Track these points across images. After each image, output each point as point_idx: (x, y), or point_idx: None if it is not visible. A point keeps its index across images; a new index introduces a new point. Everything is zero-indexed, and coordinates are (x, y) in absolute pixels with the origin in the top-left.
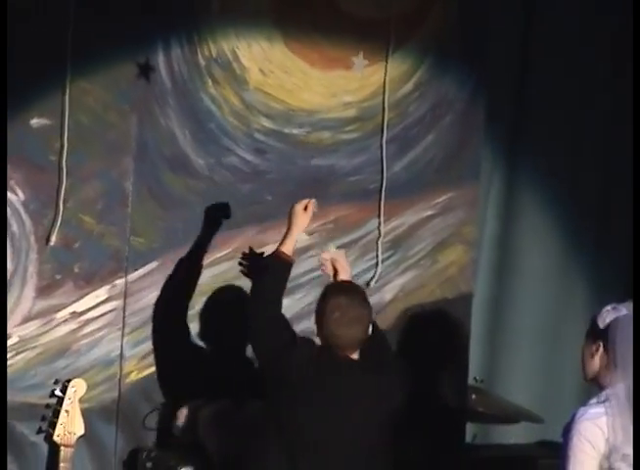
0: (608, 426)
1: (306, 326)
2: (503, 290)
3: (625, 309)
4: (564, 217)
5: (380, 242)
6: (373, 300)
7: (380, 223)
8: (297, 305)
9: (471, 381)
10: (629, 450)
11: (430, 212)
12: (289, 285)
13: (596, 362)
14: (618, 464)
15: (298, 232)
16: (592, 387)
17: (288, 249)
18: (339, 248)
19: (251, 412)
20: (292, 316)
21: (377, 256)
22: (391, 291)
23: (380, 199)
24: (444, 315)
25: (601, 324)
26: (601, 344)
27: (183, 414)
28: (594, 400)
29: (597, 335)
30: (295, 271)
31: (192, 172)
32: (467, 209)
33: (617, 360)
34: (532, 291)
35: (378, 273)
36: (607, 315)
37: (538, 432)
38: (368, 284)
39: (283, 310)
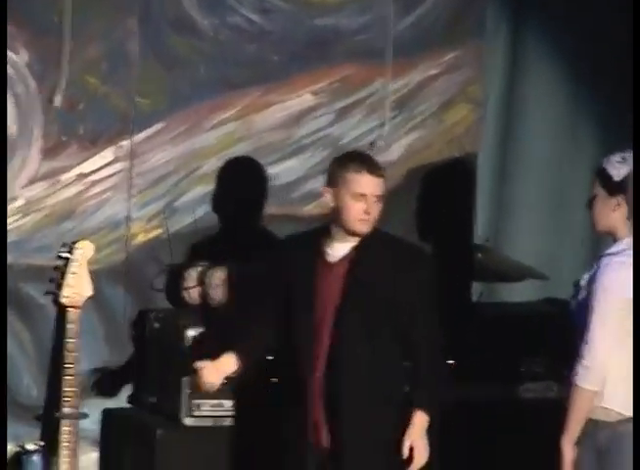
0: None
1: (313, 186)
2: (509, 149)
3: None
4: (571, 74)
5: (387, 101)
6: (379, 160)
7: (386, 83)
8: (303, 165)
9: (477, 240)
10: None
11: (435, 71)
12: (293, 146)
13: (616, 216)
14: None
15: None
16: (598, 243)
17: None
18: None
19: (257, 274)
20: (298, 178)
21: (383, 115)
22: (397, 151)
23: (386, 58)
24: (450, 175)
25: (616, 177)
26: (621, 197)
27: (191, 276)
28: (612, 250)
29: (614, 189)
30: (300, 132)
31: (196, 33)
32: (473, 67)
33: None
34: (539, 149)
35: (385, 133)
36: (620, 167)
37: (543, 289)
38: (374, 144)
39: (288, 173)
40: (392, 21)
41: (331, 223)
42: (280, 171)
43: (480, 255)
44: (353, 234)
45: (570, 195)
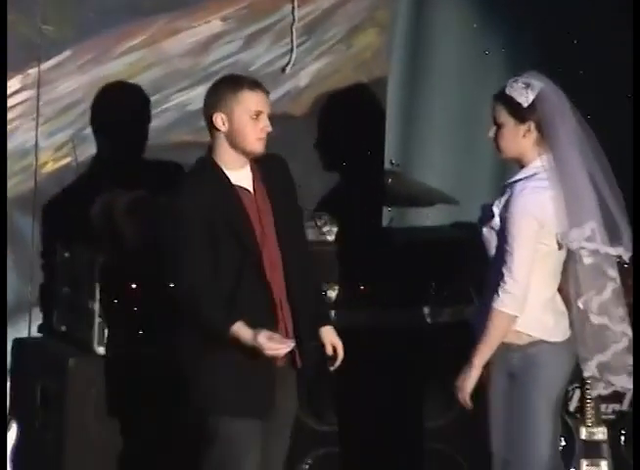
0: (554, 199)
1: None
2: (418, 73)
3: (536, 81)
4: None
5: (294, 27)
6: (288, 86)
7: (294, 8)
8: None
9: (387, 165)
10: (587, 231)
11: None
12: (203, 73)
13: (526, 142)
14: (576, 244)
15: None
16: (506, 168)
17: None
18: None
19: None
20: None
21: (291, 41)
22: (306, 77)
23: None
24: (359, 100)
25: (525, 103)
26: (532, 123)
27: (98, 204)
28: (524, 175)
29: (525, 115)
30: (209, 59)
31: None
32: None
33: (551, 133)
34: (448, 73)
35: (293, 59)
36: (527, 93)
37: (453, 214)
38: (283, 70)
39: (198, 99)
40: None
41: (213, 153)
42: (190, 98)
43: (390, 180)
44: (249, 154)
45: (479, 119)
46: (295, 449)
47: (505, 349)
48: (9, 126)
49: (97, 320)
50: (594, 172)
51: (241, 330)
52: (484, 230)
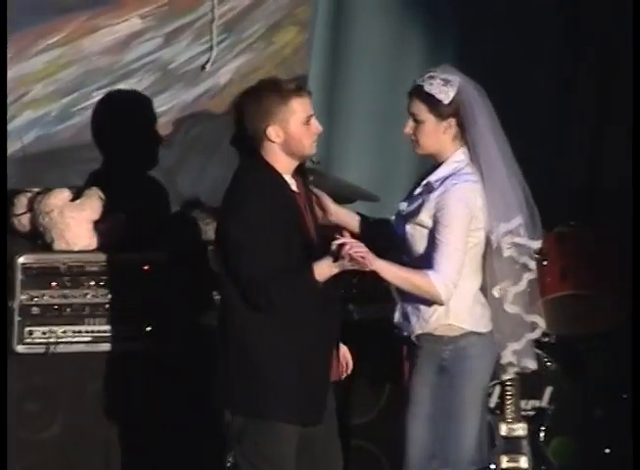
0: (483, 194)
1: None
2: (338, 70)
3: (453, 76)
4: None
5: (214, 25)
6: (208, 84)
7: (213, 6)
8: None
9: (307, 163)
10: (511, 224)
11: None
12: (122, 71)
13: (445, 138)
14: (505, 239)
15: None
16: (427, 163)
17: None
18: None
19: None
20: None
21: (211, 39)
22: (226, 74)
23: None
24: None
25: (446, 100)
26: (452, 120)
27: (21, 202)
28: (447, 172)
29: (446, 112)
30: (129, 56)
31: None
32: None
33: (472, 129)
34: (368, 70)
35: (213, 57)
36: (447, 90)
37: (374, 210)
38: (203, 67)
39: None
40: None
41: (266, 159)
42: None
43: (311, 178)
44: (305, 158)
45: (399, 116)
46: (221, 446)
47: (435, 342)
48: None
49: (16, 319)
50: (509, 166)
51: (319, 265)
52: (409, 227)
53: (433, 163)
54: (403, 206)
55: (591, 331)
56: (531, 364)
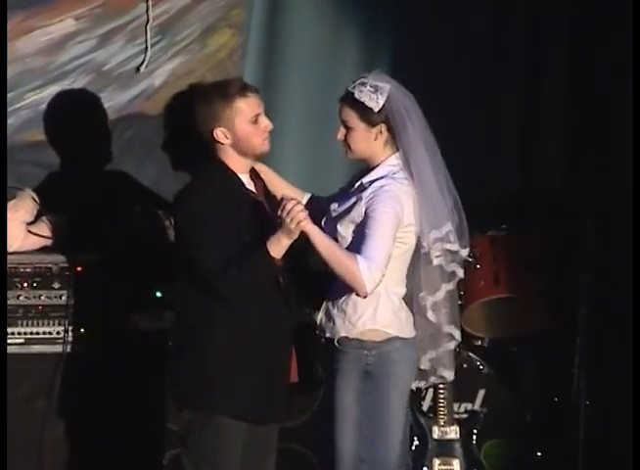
0: (414, 200)
1: None
2: (272, 73)
3: (383, 83)
4: None
5: (148, 27)
6: (142, 85)
7: (148, 7)
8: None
9: None
10: (441, 231)
11: None
12: (56, 72)
13: (378, 143)
14: (436, 246)
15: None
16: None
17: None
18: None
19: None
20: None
21: (146, 40)
22: (161, 76)
23: None
24: None
25: (377, 108)
26: (383, 126)
27: None
28: (380, 174)
29: (375, 119)
30: (62, 58)
31: None
32: None
33: (402, 135)
34: (302, 73)
35: (147, 59)
36: (377, 97)
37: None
38: (138, 69)
39: (51, 97)
40: None
41: (222, 160)
42: (44, 97)
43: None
44: (259, 157)
45: (331, 119)
46: (154, 447)
47: (360, 347)
48: None
49: None
50: (439, 173)
51: (270, 241)
52: (340, 226)
53: (364, 165)
54: (334, 206)
55: (523, 333)
56: (448, 374)
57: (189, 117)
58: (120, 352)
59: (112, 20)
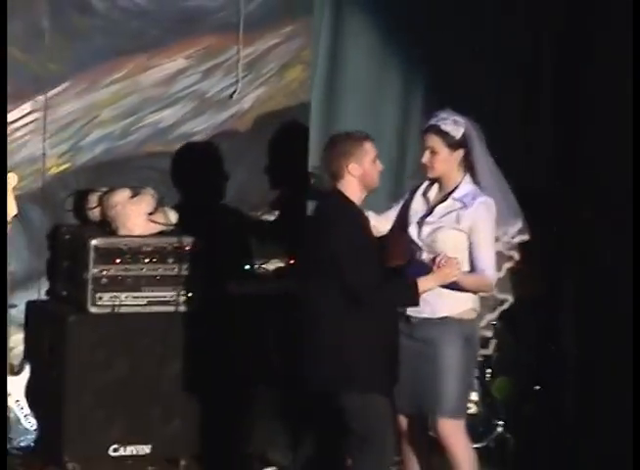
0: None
1: (185, 129)
2: (334, 98)
3: (459, 117)
4: (380, 39)
5: (239, 64)
6: (235, 109)
7: (239, 49)
8: (177, 113)
9: (311, 169)
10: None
11: (277, 41)
12: (169, 99)
13: (454, 166)
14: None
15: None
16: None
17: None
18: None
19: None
20: (174, 123)
21: (237, 74)
22: (249, 101)
23: (239, 31)
24: (289, 119)
25: (457, 135)
26: (461, 151)
27: (93, 199)
28: (469, 191)
29: (456, 145)
30: (174, 88)
31: (93, 13)
32: (304, 36)
33: (477, 158)
34: (354, 99)
35: (239, 88)
36: (457, 128)
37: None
38: (231, 96)
39: (166, 119)
40: (243, 3)
41: (345, 192)
42: (161, 118)
43: (312, 180)
44: (372, 190)
45: (385, 132)
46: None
47: (460, 323)
48: (22, 140)
49: (90, 287)
50: (500, 181)
51: (422, 280)
52: (441, 233)
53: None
54: (419, 214)
55: (526, 297)
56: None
57: (271, 132)
58: (218, 311)
59: (212, 58)
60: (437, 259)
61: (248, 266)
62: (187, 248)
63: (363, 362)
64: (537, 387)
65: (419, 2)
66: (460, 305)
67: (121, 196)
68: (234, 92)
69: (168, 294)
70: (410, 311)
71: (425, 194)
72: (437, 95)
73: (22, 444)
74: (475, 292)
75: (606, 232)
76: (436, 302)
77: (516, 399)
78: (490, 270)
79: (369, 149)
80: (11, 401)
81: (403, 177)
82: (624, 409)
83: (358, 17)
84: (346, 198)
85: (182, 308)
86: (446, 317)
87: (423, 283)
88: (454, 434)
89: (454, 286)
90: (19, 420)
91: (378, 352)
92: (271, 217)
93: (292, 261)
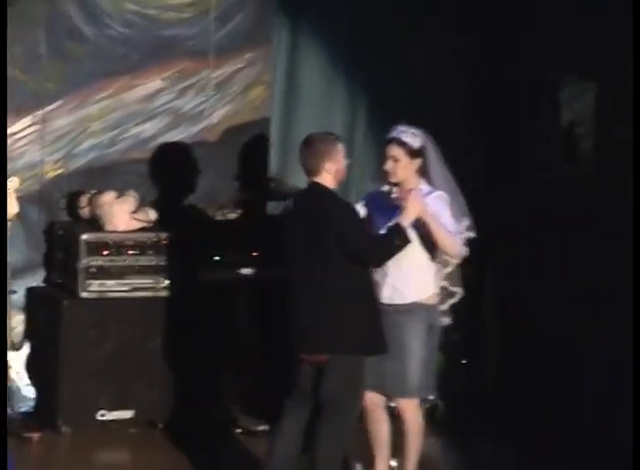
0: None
1: (165, 139)
2: (291, 114)
3: (416, 130)
4: (330, 61)
5: (210, 84)
6: (206, 122)
7: (210, 72)
8: (155, 126)
9: (270, 174)
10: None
11: (241, 65)
12: (149, 114)
13: (412, 172)
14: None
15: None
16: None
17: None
18: None
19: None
20: (152, 134)
21: (207, 93)
22: (218, 116)
23: (209, 56)
24: (252, 131)
25: (415, 145)
26: (419, 160)
27: (84, 199)
28: (425, 190)
29: (415, 154)
30: (154, 104)
31: (84, 39)
32: (265, 61)
33: (432, 164)
34: (308, 112)
35: (209, 105)
36: (416, 139)
37: None
38: (202, 112)
39: (146, 131)
40: (212, 32)
41: (327, 187)
42: (142, 130)
43: (272, 184)
44: (341, 184)
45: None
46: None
47: (424, 308)
48: (23, 148)
49: (81, 275)
50: (452, 185)
51: (402, 220)
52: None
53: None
54: (381, 208)
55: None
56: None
57: (237, 143)
58: (192, 296)
59: (186, 79)
60: (400, 196)
61: (217, 257)
62: (164, 241)
63: (358, 327)
64: (464, 361)
65: (363, 32)
66: (427, 290)
67: (108, 197)
68: (204, 109)
69: (149, 281)
70: (383, 299)
71: (389, 194)
72: (380, 108)
73: (22, 409)
74: (447, 252)
75: (524, 228)
76: (405, 288)
77: (446, 371)
78: (458, 237)
79: (340, 149)
80: (12, 373)
81: (351, 178)
82: (538, 380)
83: (310, 43)
84: (327, 187)
85: (161, 294)
86: (414, 303)
87: (403, 221)
88: (412, 410)
89: (432, 241)
90: (19, 389)
91: (367, 318)
92: (236, 215)
93: (254, 253)
